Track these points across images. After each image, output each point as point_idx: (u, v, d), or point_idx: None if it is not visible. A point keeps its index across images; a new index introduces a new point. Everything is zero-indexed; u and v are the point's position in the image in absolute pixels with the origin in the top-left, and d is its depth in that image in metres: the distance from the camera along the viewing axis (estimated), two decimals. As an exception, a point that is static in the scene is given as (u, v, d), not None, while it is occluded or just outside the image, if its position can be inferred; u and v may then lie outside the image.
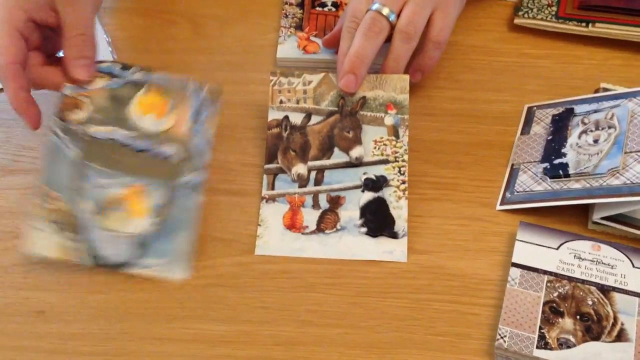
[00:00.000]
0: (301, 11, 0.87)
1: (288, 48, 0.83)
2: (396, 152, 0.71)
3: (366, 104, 0.73)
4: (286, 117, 0.73)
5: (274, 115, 0.74)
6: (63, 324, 0.64)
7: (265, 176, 0.72)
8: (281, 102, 0.74)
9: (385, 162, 0.71)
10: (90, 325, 0.64)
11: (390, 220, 0.69)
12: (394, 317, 0.64)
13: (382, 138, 0.72)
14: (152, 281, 0.66)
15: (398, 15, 0.73)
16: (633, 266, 0.63)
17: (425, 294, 0.65)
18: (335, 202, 0.70)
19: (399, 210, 0.69)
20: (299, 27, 0.85)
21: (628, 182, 0.65)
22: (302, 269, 0.67)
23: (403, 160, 0.71)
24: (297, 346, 0.62)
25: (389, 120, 0.73)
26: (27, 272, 0.68)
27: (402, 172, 0.71)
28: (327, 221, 0.70)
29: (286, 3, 0.88)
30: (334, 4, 0.87)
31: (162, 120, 0.69)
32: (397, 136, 0.72)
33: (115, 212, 0.66)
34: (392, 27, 0.73)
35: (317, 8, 0.87)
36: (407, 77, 0.74)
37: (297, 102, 0.74)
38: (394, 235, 0.68)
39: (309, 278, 0.66)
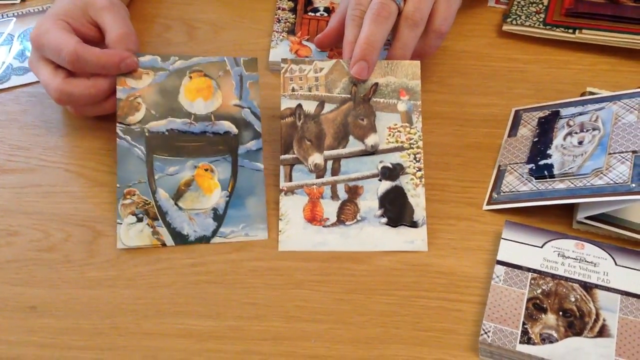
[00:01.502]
0: (294, 16, 0.88)
1: (280, 52, 0.85)
2: (411, 139, 0.72)
3: (378, 91, 0.73)
4: (299, 106, 0.73)
5: (287, 103, 0.73)
6: (54, 319, 0.65)
7: (282, 167, 0.72)
8: (293, 90, 0.74)
9: (401, 149, 0.72)
10: (81, 320, 0.65)
11: (409, 209, 0.70)
12: (381, 313, 0.65)
13: (396, 125, 0.73)
14: (142, 278, 0.68)
15: (404, 0, 0.73)
16: (615, 264, 0.64)
17: (412, 291, 0.66)
18: (354, 192, 0.71)
19: (417, 198, 0.70)
20: (292, 31, 0.87)
21: (611, 182, 0.66)
22: (291, 267, 0.68)
23: (418, 147, 0.72)
24: (285, 341, 0.63)
25: (402, 106, 0.73)
26: (19, 269, 0.68)
27: (417, 159, 0.71)
28: (347, 212, 0.70)
29: (279, 8, 0.89)
30: (326, 10, 0.89)
31: (211, 101, 0.73)
32: (410, 122, 0.73)
33: (188, 192, 0.71)
34: (399, 11, 0.73)
35: (310, 13, 0.89)
36: (418, 63, 0.74)
37: (310, 89, 0.74)
38: (414, 225, 0.69)
39: (297, 275, 0.67)
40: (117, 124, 0.72)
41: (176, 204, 0.71)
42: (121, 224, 0.70)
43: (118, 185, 0.71)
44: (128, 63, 0.72)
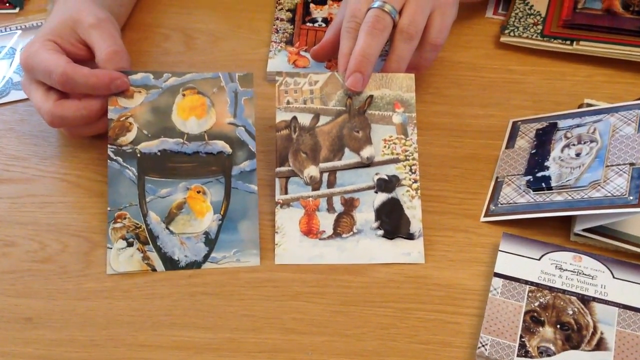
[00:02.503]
0: (292, 27, 0.88)
1: (278, 62, 0.85)
2: (406, 151, 0.72)
3: (373, 103, 0.73)
4: (294, 118, 0.73)
5: (282, 116, 0.73)
6: (50, 330, 0.65)
7: (277, 180, 0.72)
8: (288, 102, 0.73)
9: (396, 161, 0.72)
10: (77, 332, 0.65)
11: (406, 221, 0.70)
12: (378, 325, 0.64)
13: (391, 137, 0.72)
14: (138, 289, 0.67)
15: (399, 13, 0.73)
16: (613, 277, 0.64)
17: (409, 304, 0.66)
18: (350, 205, 0.71)
19: (413, 210, 0.70)
20: (290, 42, 0.87)
21: (609, 194, 0.66)
22: (288, 278, 0.68)
23: (413, 159, 0.72)
24: (282, 353, 0.63)
25: (397, 118, 0.73)
26: (15, 280, 0.68)
27: (413, 170, 0.71)
28: (344, 225, 0.70)
29: (277, 19, 0.89)
30: (324, 20, 0.89)
31: (204, 119, 0.72)
32: (405, 134, 0.72)
33: (180, 215, 0.70)
34: (394, 24, 0.73)
35: (308, 24, 0.89)
36: (412, 75, 0.74)
37: (305, 102, 0.73)
38: (410, 237, 0.69)
39: (294, 287, 0.67)
40: (109, 146, 0.71)
41: (167, 228, 0.69)
42: (111, 248, 0.69)
43: (109, 208, 0.70)
44: (118, 84, 0.71)
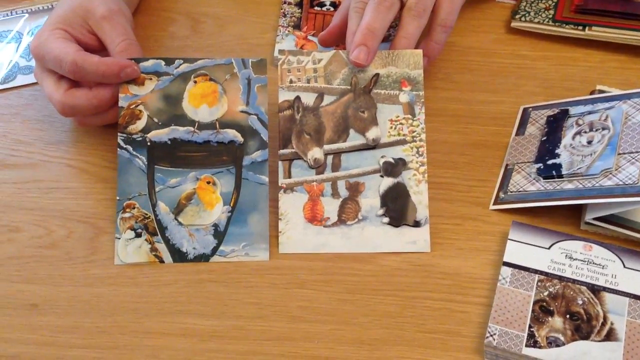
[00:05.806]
0: (299, 11, 0.87)
1: (286, 47, 0.83)
2: (413, 132, 0.70)
3: (379, 82, 0.71)
4: (298, 98, 0.71)
5: (285, 96, 0.71)
6: (55, 317, 0.65)
7: (280, 163, 0.70)
8: (291, 81, 0.72)
9: (403, 142, 0.70)
10: (82, 318, 0.65)
11: (412, 208, 0.69)
12: (385, 314, 0.64)
13: (398, 117, 0.71)
14: (144, 275, 0.67)
15: None
16: (624, 266, 0.63)
17: (417, 292, 0.65)
18: (355, 190, 0.69)
19: (419, 195, 0.69)
20: (297, 26, 0.86)
21: (621, 183, 0.65)
22: (294, 266, 0.67)
23: (420, 140, 0.70)
24: (288, 341, 0.63)
25: (404, 97, 0.71)
26: (20, 266, 0.68)
27: (420, 152, 0.70)
28: (348, 211, 0.69)
29: (285, 2, 0.88)
30: (332, 4, 0.88)
31: (216, 107, 0.71)
32: (413, 114, 0.71)
33: (189, 207, 0.69)
34: (402, 5, 0.72)
35: (316, 8, 0.88)
36: (420, 52, 0.72)
37: (308, 81, 0.72)
38: (416, 224, 0.68)
39: (300, 274, 0.67)
40: (119, 134, 0.70)
41: (176, 219, 0.69)
42: (119, 238, 0.68)
43: (118, 197, 0.69)
44: (128, 72, 0.70)
